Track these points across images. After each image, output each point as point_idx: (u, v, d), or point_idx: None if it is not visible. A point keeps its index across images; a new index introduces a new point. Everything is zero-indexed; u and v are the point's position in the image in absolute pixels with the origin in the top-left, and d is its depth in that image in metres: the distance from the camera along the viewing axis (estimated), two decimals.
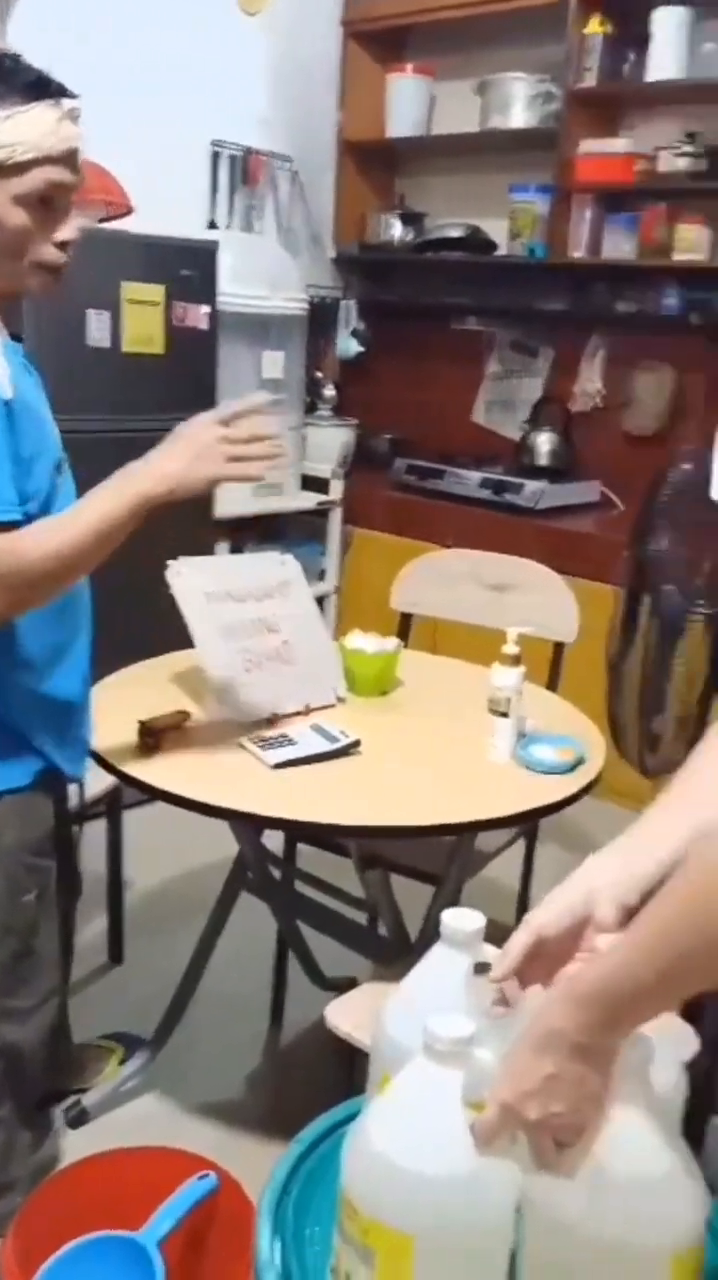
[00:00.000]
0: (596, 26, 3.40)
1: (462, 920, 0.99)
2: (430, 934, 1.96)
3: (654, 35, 3.28)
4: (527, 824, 2.09)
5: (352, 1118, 1.00)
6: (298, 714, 1.84)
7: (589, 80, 3.46)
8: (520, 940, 0.95)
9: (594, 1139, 0.85)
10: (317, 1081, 2.15)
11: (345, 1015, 1.62)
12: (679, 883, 0.76)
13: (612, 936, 0.89)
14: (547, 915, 0.95)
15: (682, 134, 3.33)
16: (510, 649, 1.79)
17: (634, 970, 0.78)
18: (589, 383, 3.82)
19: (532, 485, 3.55)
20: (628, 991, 0.79)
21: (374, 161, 4.15)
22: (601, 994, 0.80)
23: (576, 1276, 0.89)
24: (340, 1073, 1.70)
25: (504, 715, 1.76)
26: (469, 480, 3.68)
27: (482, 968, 0.99)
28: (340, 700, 1.93)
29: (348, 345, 4.20)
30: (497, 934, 1.03)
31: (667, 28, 3.25)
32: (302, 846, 2.33)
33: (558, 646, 2.38)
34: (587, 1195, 0.87)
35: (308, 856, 2.30)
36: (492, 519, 3.54)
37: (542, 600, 2.40)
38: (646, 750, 1.88)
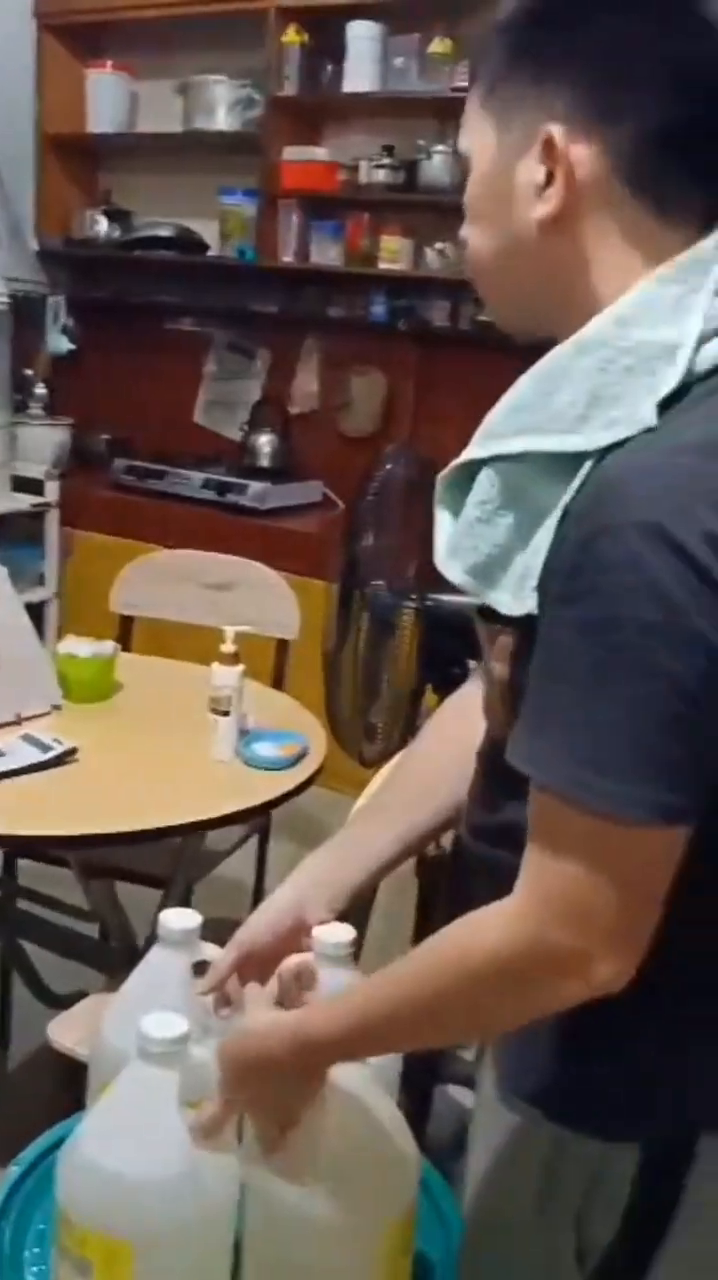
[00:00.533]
0: (293, 36, 3.47)
1: (178, 920, 1.00)
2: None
3: (349, 48, 3.38)
4: (254, 820, 2.11)
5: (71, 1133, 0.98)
6: (9, 724, 1.78)
7: (290, 89, 3.52)
8: (228, 958, 0.98)
9: (314, 1119, 0.88)
10: (43, 1103, 2.08)
11: (68, 1030, 1.58)
12: (423, 962, 0.80)
13: (325, 929, 0.94)
14: (252, 932, 0.99)
15: (379, 146, 3.46)
16: (228, 648, 1.80)
17: (360, 1031, 0.82)
18: (306, 385, 3.90)
19: (255, 486, 3.58)
20: (353, 1043, 0.84)
21: (77, 156, 4.05)
22: (325, 1043, 0.84)
23: (295, 1259, 0.91)
24: (66, 1091, 1.65)
25: (225, 714, 1.77)
26: (192, 481, 3.66)
27: (200, 967, 1.00)
28: (56, 708, 1.87)
29: (58, 342, 4.08)
30: (233, 931, 1.04)
31: (360, 41, 3.36)
32: (24, 862, 2.25)
33: (281, 644, 2.43)
34: (304, 1178, 0.89)
35: (32, 871, 2.22)
36: (215, 519, 3.55)
37: (262, 599, 2.43)
38: (364, 741, 1.94)
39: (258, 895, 2.59)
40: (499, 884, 0.76)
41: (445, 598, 1.87)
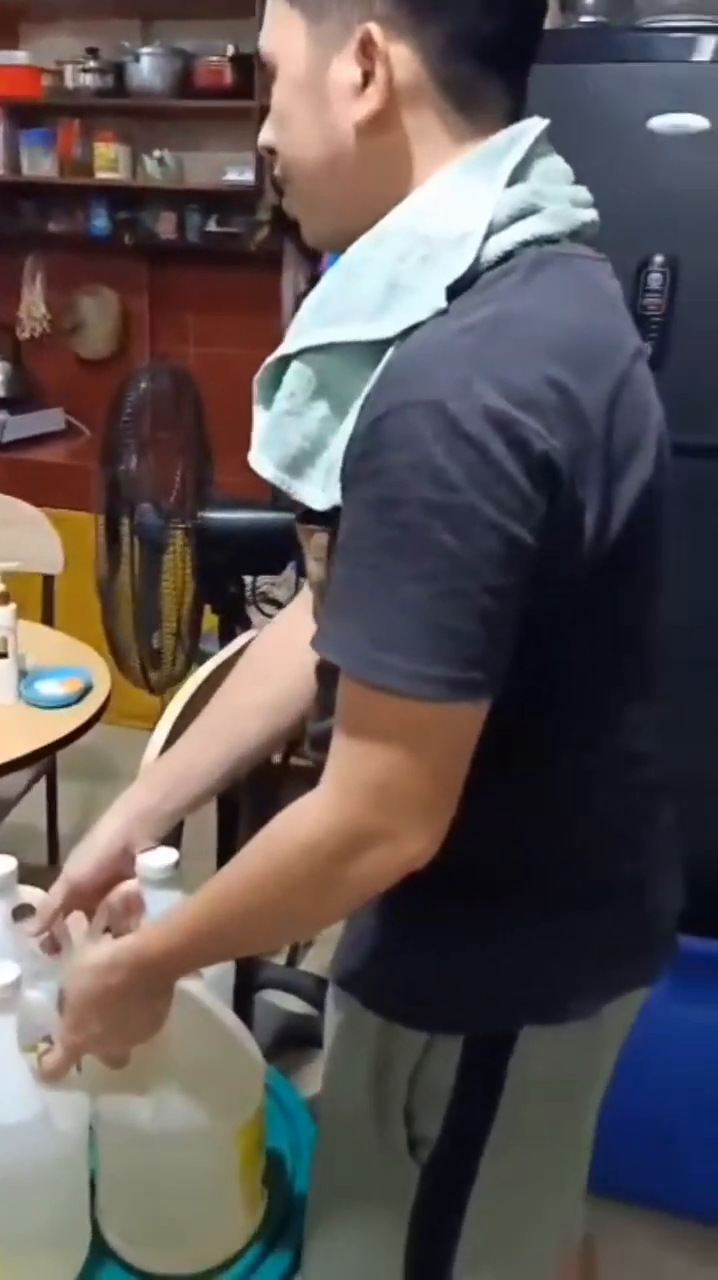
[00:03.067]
0: None
1: None
2: None
3: None
4: (40, 763, 2.04)
5: None
6: None
7: None
8: (57, 896, 0.97)
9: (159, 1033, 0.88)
10: None
11: None
12: (244, 863, 0.80)
13: (148, 855, 0.94)
14: (79, 868, 0.97)
15: (83, 49, 3.27)
16: None
17: (195, 941, 0.82)
18: (34, 307, 3.69)
19: None
20: (193, 954, 0.84)
21: None
22: (166, 961, 0.83)
23: (155, 1178, 0.92)
24: None
25: (3, 656, 1.69)
26: None
27: (21, 910, 0.97)
28: None
29: None
30: (31, 876, 1.01)
31: None
32: None
33: (47, 579, 2.33)
34: (153, 1097, 0.90)
35: None
36: None
37: (21, 534, 2.32)
38: (149, 667, 1.91)
39: (52, 838, 2.53)
40: None
41: (214, 515, 1.85)
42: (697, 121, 1.58)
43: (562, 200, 0.78)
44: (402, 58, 0.75)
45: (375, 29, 0.74)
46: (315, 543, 0.81)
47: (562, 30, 1.98)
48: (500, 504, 0.67)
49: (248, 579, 1.96)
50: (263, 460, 0.80)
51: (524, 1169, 0.88)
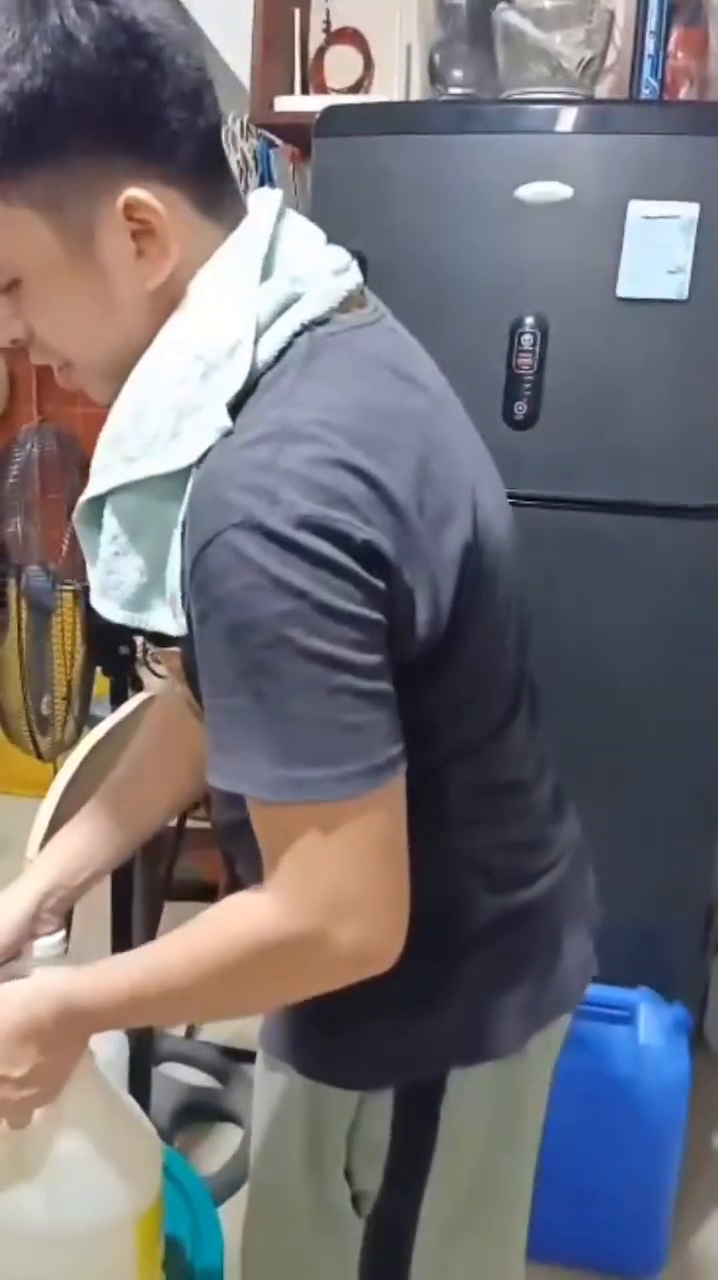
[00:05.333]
0: None
1: None
2: None
3: None
4: None
5: None
6: None
7: None
8: None
9: (50, 1112, 0.85)
10: None
11: None
12: (195, 942, 0.78)
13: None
14: None
15: None
16: None
17: (128, 1004, 0.80)
18: None
19: None
20: (121, 1014, 0.82)
21: None
22: (93, 1012, 0.81)
23: (43, 1277, 0.88)
24: None
25: None
26: None
27: None
28: None
29: None
30: None
31: None
32: None
33: None
34: (44, 1187, 0.86)
35: None
36: None
37: None
38: (37, 733, 1.87)
39: None
40: (260, 863, 0.76)
41: None
42: (562, 190, 1.65)
43: (320, 275, 0.77)
44: (167, 202, 0.72)
45: (138, 191, 0.71)
46: (173, 665, 0.81)
47: (431, 102, 2.06)
48: (347, 594, 0.68)
49: (138, 640, 1.94)
50: (107, 605, 0.78)
51: (465, 1210, 0.88)
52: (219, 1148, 1.93)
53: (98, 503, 0.77)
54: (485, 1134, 0.88)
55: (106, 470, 0.76)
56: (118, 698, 1.86)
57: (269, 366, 0.73)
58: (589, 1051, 1.60)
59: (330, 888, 0.72)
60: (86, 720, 1.98)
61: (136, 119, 0.70)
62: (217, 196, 0.75)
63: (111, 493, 0.76)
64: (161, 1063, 2.02)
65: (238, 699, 0.70)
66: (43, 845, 1.08)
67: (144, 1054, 1.68)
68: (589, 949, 0.94)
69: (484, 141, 1.69)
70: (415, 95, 2.18)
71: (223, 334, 0.73)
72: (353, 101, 2.14)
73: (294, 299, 0.75)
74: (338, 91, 2.29)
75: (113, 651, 1.88)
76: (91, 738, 1.36)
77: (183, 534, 0.72)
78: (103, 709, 1.85)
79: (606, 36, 1.86)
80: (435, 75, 2.05)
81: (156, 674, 2.00)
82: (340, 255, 0.81)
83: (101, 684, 1.95)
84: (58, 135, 0.69)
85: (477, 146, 1.69)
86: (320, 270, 0.77)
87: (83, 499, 0.78)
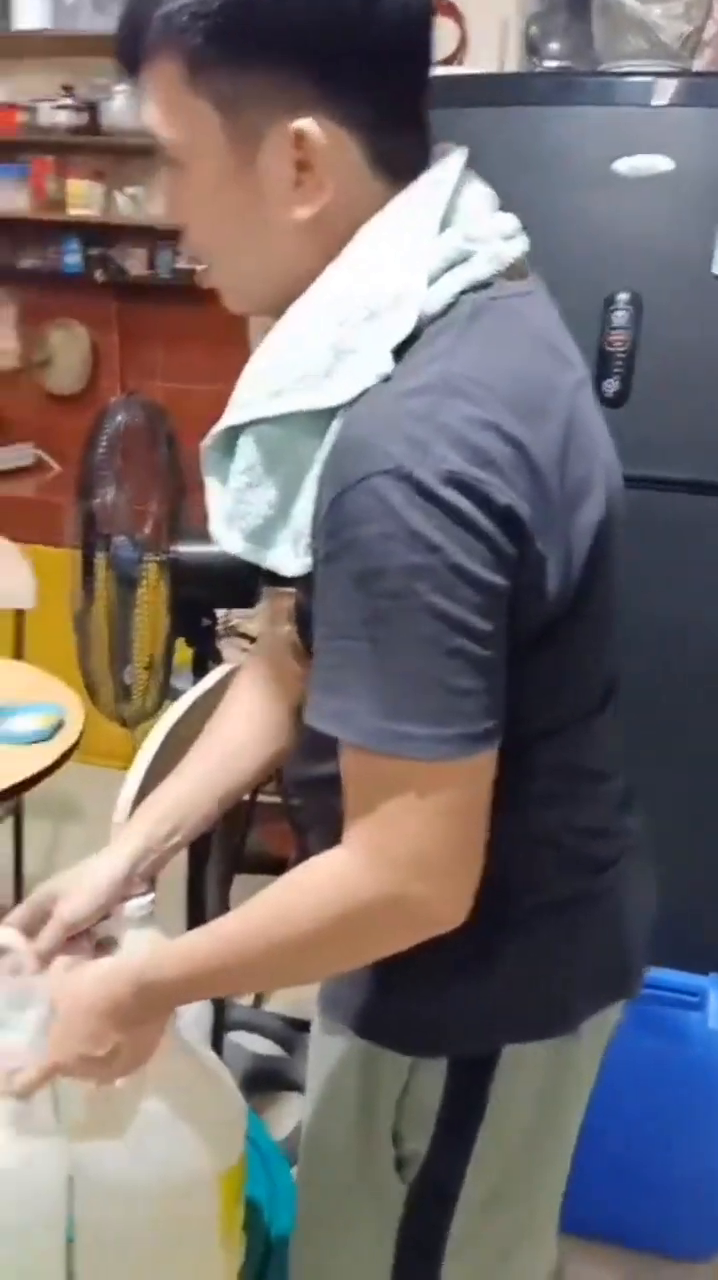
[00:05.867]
0: None
1: None
2: None
3: None
4: (7, 802, 2.02)
5: None
6: None
7: None
8: (50, 936, 0.94)
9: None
10: None
11: None
12: (270, 908, 0.80)
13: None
14: (78, 911, 0.94)
15: (58, 86, 3.29)
16: None
17: (204, 974, 0.82)
18: (4, 342, 3.69)
19: None
20: (198, 985, 0.84)
21: None
22: (170, 985, 0.82)
23: (130, 1228, 0.90)
24: None
25: None
26: None
27: None
28: None
29: None
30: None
31: None
32: None
33: (18, 614, 2.32)
34: (133, 1142, 0.88)
35: None
36: None
37: None
38: (121, 701, 1.90)
39: (18, 877, 2.50)
40: (332, 831, 0.77)
41: (187, 548, 1.85)
42: (661, 163, 1.62)
43: (491, 238, 0.77)
44: (336, 142, 0.73)
45: (309, 123, 0.71)
46: (287, 605, 0.82)
47: (527, 74, 2.03)
48: (479, 557, 0.68)
49: (220, 612, 1.96)
50: (229, 534, 0.79)
51: (509, 1182, 0.89)
52: (285, 1116, 1.96)
53: (233, 432, 0.78)
54: (532, 1112, 0.88)
55: (250, 401, 0.77)
56: (199, 669, 1.88)
57: (431, 321, 0.73)
58: (659, 1035, 1.59)
59: (410, 845, 0.73)
60: (168, 691, 2.01)
61: (334, 55, 0.71)
62: (396, 153, 0.75)
63: (252, 423, 0.76)
64: (229, 1030, 2.05)
65: (353, 643, 0.70)
66: (128, 817, 1.10)
67: (218, 1019, 1.71)
68: (646, 942, 0.94)
69: (581, 114, 1.67)
70: (511, 67, 2.15)
71: (390, 280, 0.73)
72: (448, 73, 2.12)
73: (465, 257, 0.75)
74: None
75: (195, 624, 1.90)
76: (175, 710, 1.38)
77: (321, 475, 0.73)
78: (183, 680, 1.87)
79: (705, 10, 1.82)
80: (532, 47, 2.02)
81: (236, 646, 2.02)
82: (510, 221, 0.80)
83: (183, 655, 1.97)
84: (256, 45, 0.70)
85: (573, 119, 1.67)
86: (492, 233, 0.77)
87: (219, 426, 0.79)
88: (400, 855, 0.73)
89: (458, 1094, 0.86)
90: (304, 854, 0.82)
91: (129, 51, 0.74)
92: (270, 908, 0.79)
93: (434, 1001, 0.85)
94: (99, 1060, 0.84)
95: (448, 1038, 0.86)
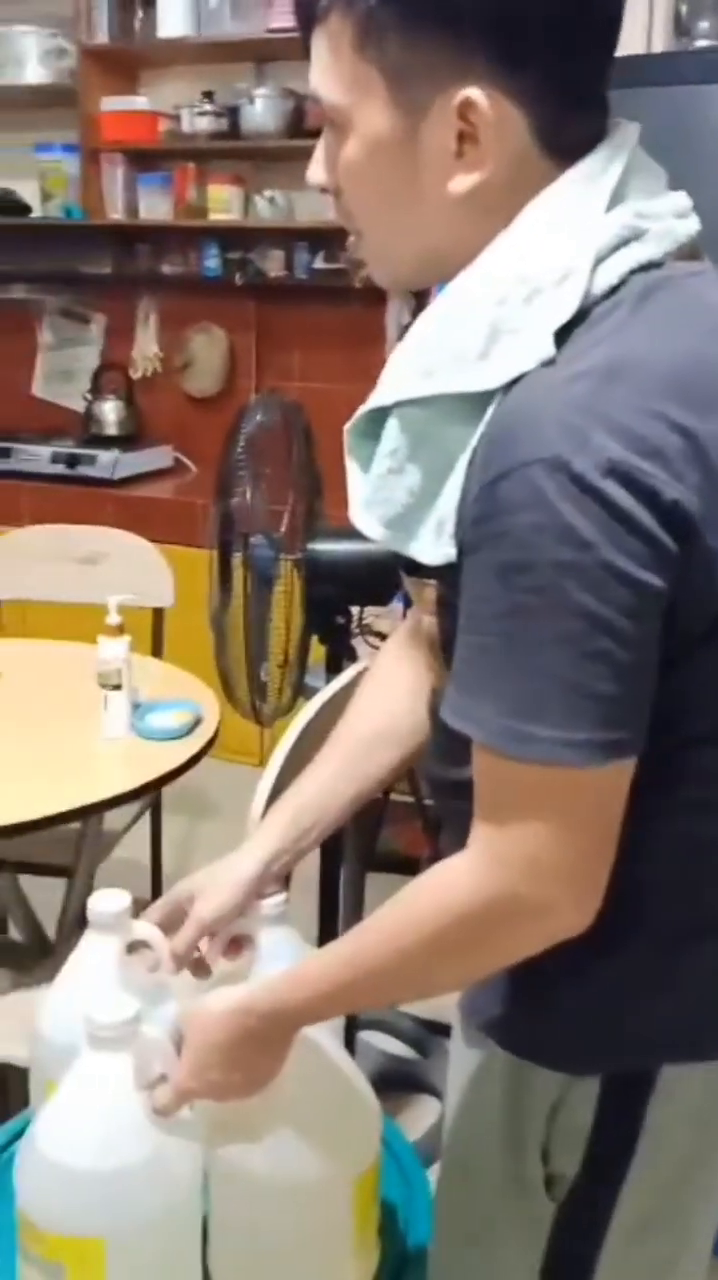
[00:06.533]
0: None
1: (107, 902, 0.96)
2: (70, 929, 1.88)
3: None
4: (146, 797, 2.05)
5: (16, 1138, 0.94)
6: None
7: (101, 37, 3.37)
8: (188, 935, 0.95)
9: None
10: None
11: None
12: (392, 920, 0.78)
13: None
14: (215, 909, 0.95)
15: (199, 93, 3.35)
16: (114, 619, 1.74)
17: (332, 995, 0.81)
18: (146, 347, 3.78)
19: (105, 455, 3.47)
20: (326, 1006, 0.83)
21: None
22: (299, 1010, 0.82)
23: (264, 1227, 0.89)
24: None
25: (117, 688, 1.71)
26: (39, 456, 3.52)
27: (134, 946, 0.96)
28: None
29: None
30: (136, 912, 1.00)
31: None
32: None
33: (157, 613, 2.36)
34: (268, 1143, 0.88)
35: None
36: (67, 493, 3.42)
37: (134, 568, 2.36)
38: (257, 699, 1.91)
39: (156, 874, 2.55)
40: (463, 833, 0.75)
41: (322, 546, 1.85)
42: None
43: (664, 216, 0.73)
44: (504, 115, 0.70)
45: (478, 93, 0.69)
46: (426, 596, 0.79)
47: (677, 53, 1.96)
48: (635, 556, 0.65)
49: (354, 610, 1.95)
50: (368, 520, 0.77)
51: (663, 1208, 0.85)
52: (418, 1117, 1.94)
53: (378, 415, 0.76)
54: (690, 1139, 0.84)
55: (399, 382, 0.74)
56: (333, 667, 1.88)
57: (598, 301, 0.70)
58: None
59: (524, 848, 0.70)
60: (302, 689, 2.01)
61: (515, 25, 0.69)
62: (569, 132, 0.72)
63: (399, 405, 0.74)
64: (361, 1030, 2.04)
65: (488, 638, 0.68)
66: (263, 814, 1.10)
67: (351, 1018, 1.70)
68: None
69: None
70: (658, 47, 2.08)
71: (554, 260, 0.70)
72: None
73: (636, 235, 0.72)
74: None
75: (329, 622, 1.90)
76: (310, 707, 1.37)
77: (472, 461, 0.70)
78: (316, 678, 1.88)
79: None
80: (681, 26, 1.95)
81: (369, 644, 2.01)
82: (683, 199, 0.77)
83: (317, 652, 1.97)
84: (433, 10, 0.69)
85: None
86: (664, 211, 0.74)
87: (365, 407, 0.77)
88: (513, 856, 0.71)
89: (612, 1115, 0.82)
90: (437, 855, 0.80)
91: (305, 7, 0.74)
92: (397, 912, 0.78)
93: (590, 1019, 0.82)
94: (231, 1084, 0.84)
95: (603, 1056, 0.82)
